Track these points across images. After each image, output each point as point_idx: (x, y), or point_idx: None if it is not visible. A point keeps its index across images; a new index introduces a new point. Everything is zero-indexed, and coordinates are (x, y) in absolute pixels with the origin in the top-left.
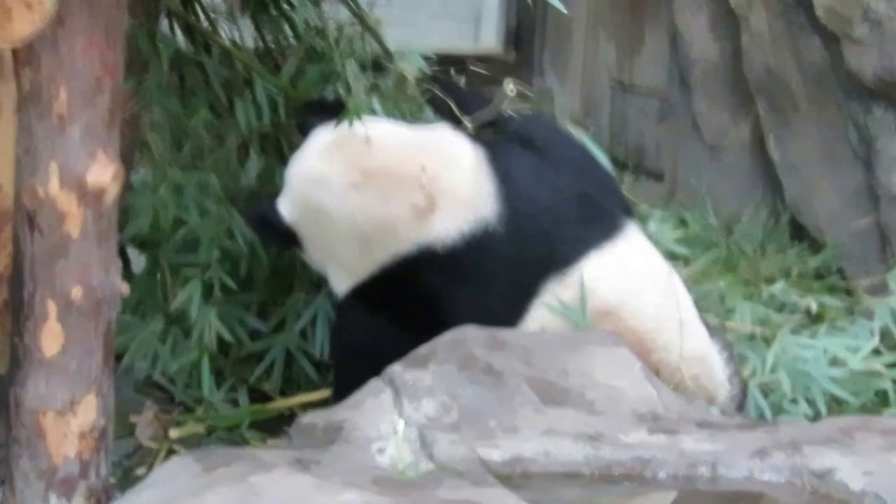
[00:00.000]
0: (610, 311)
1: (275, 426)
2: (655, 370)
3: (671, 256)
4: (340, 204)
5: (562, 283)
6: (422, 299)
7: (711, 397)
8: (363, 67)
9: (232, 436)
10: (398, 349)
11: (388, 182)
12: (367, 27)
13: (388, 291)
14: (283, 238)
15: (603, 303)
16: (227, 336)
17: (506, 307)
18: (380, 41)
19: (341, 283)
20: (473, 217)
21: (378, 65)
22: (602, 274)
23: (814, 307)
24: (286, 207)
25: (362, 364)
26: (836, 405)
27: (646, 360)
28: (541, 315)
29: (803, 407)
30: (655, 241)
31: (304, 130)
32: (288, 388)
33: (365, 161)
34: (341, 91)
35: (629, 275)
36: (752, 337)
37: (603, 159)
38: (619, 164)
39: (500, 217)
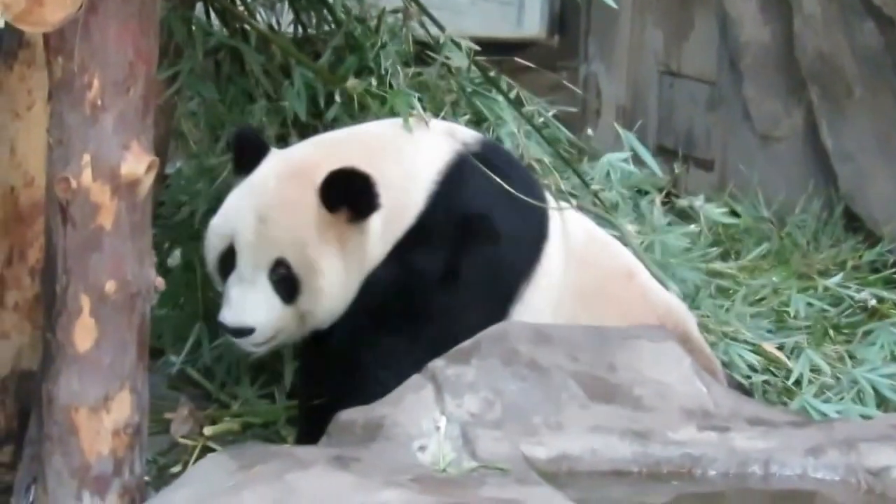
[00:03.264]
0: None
1: None
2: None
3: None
4: None
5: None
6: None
7: None
8: (405, 58)
9: (268, 433)
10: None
11: None
12: (411, 15)
13: None
14: None
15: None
16: None
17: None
18: (425, 27)
19: None
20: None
21: (422, 55)
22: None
23: (871, 301)
24: None
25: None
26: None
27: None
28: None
29: (857, 406)
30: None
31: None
32: None
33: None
34: (373, 81)
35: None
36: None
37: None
38: (668, 153)
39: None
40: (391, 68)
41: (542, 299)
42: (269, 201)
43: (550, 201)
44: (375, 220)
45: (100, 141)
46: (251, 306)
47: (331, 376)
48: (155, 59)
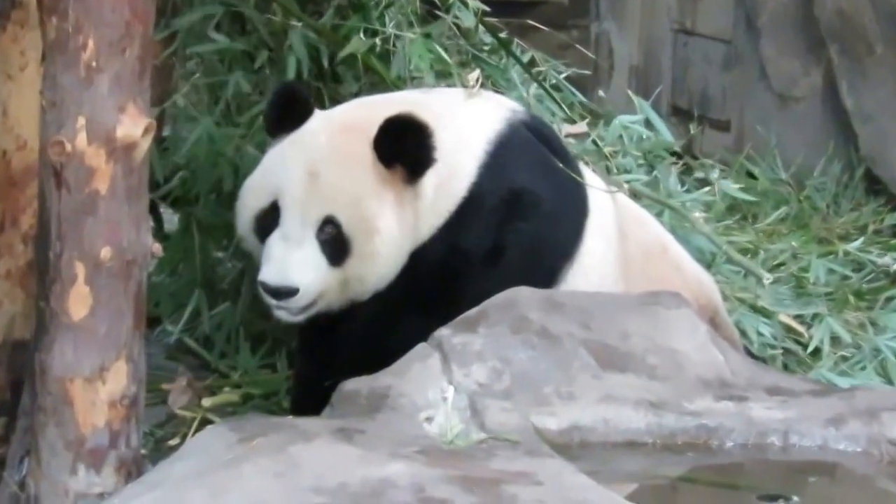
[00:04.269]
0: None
1: None
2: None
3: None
4: None
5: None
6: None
7: None
8: (411, 18)
9: (269, 404)
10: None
11: None
12: None
13: None
14: None
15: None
16: None
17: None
18: None
19: None
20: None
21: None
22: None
23: (893, 266)
24: None
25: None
26: None
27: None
28: None
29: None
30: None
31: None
32: None
33: None
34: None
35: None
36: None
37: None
38: (682, 114)
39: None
40: (396, 28)
41: (583, 279)
42: (321, 155)
43: (596, 179)
44: (428, 186)
45: (95, 103)
46: (297, 265)
47: (352, 354)
48: (152, 19)
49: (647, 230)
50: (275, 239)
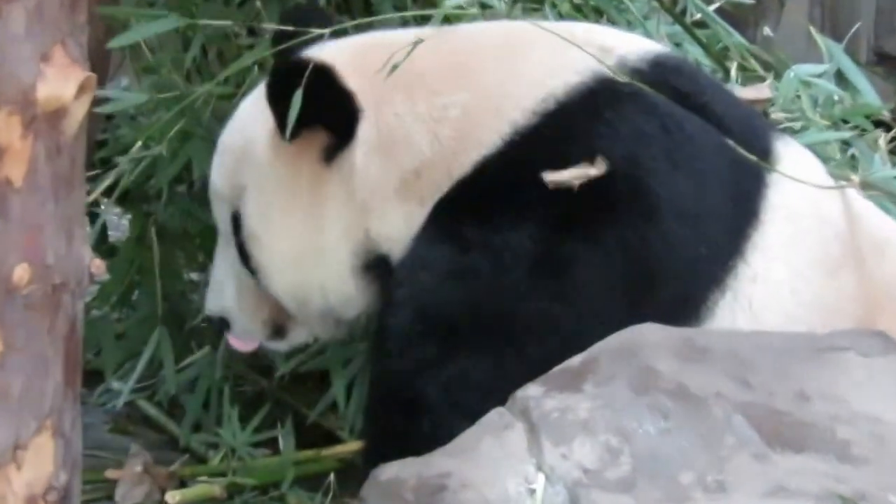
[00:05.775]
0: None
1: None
2: None
3: None
4: None
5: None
6: None
7: None
8: None
9: (267, 500)
10: None
11: None
12: None
13: None
14: None
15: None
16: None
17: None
18: None
19: None
20: None
21: None
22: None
23: None
24: None
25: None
26: None
27: None
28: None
29: None
30: None
31: None
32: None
33: None
34: None
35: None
36: None
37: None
38: (890, 62)
39: None
40: None
41: (745, 318)
42: (228, 126)
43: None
44: (378, 169)
45: (4, 48)
46: (217, 284)
47: (372, 412)
48: None
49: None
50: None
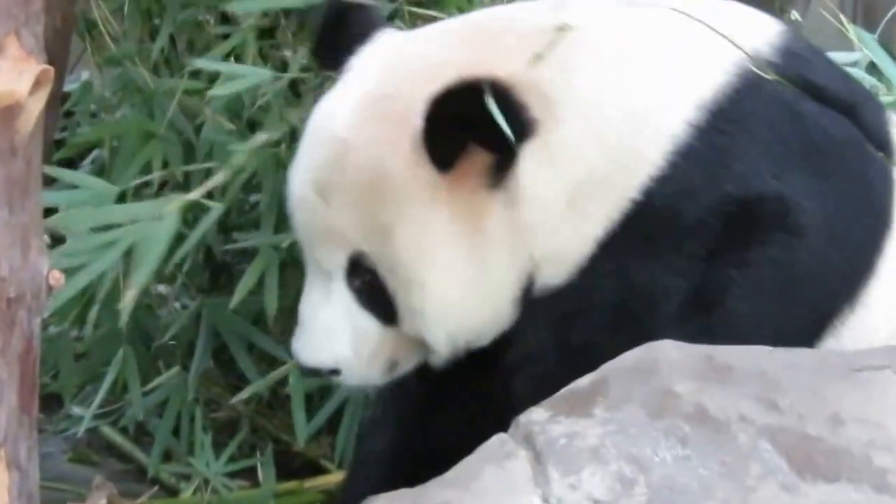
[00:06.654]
0: None
1: None
2: None
3: None
4: None
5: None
6: None
7: None
8: None
9: None
10: None
11: None
12: None
13: None
14: None
15: None
16: (240, 362)
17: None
18: None
19: None
20: None
21: None
22: None
23: None
24: None
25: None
26: None
27: None
28: None
29: None
30: None
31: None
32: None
33: None
34: None
35: None
36: None
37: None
38: None
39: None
40: None
41: (866, 333)
42: (332, 152)
43: None
44: (548, 184)
45: None
46: (326, 333)
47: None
48: None
49: None
50: (305, 287)
